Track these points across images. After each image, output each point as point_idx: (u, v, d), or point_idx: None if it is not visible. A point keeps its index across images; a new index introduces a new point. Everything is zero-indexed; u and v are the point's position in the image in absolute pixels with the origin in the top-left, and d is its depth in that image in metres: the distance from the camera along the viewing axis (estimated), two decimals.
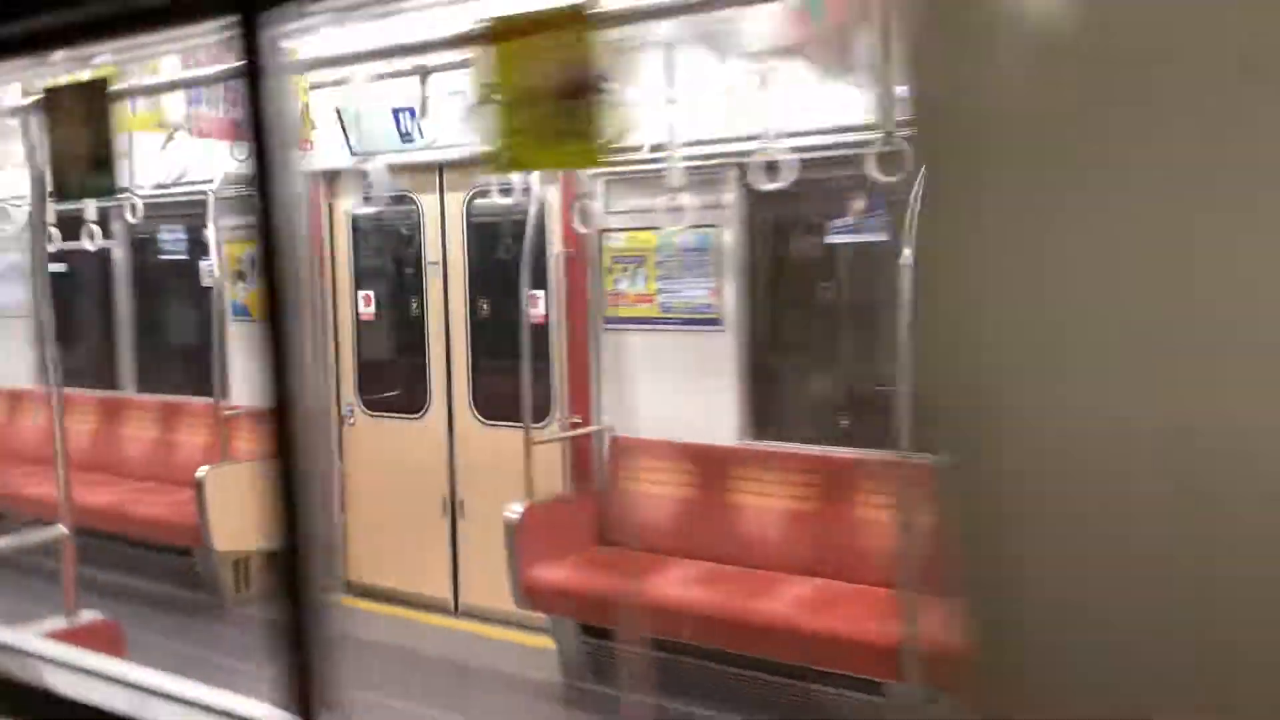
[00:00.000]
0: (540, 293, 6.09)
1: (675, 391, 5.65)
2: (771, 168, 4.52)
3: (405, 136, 6.06)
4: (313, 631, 1.99)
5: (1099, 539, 1.14)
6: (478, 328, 6.55)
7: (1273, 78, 0.98)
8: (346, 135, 6.01)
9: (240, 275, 7.45)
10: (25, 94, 3.30)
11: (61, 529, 3.82)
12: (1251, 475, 1.03)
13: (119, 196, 5.98)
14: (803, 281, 5.68)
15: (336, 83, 5.72)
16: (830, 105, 4.66)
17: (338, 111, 5.96)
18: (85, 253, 7.12)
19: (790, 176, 4.51)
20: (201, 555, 6.85)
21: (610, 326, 5.85)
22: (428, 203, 6.65)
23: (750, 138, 4.69)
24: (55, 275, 8.73)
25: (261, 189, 1.96)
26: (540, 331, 6.02)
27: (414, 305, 6.78)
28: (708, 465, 5.61)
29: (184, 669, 2.32)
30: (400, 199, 6.60)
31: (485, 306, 6.52)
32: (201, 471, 6.58)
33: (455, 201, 6.54)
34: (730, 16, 3.99)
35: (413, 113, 5.99)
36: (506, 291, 6.00)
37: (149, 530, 7.07)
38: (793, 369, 5.79)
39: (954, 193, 1.21)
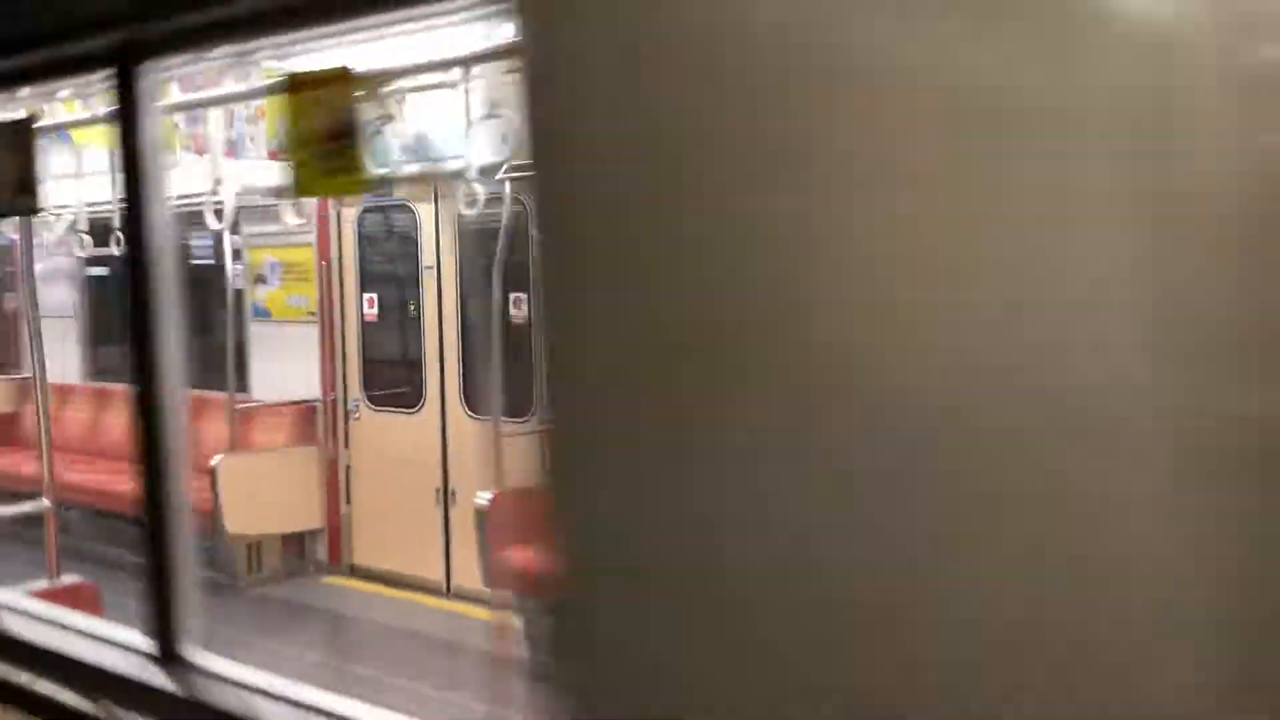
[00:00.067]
0: (523, 295, 6.50)
1: None
2: None
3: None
4: (175, 574, 2.40)
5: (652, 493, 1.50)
6: (468, 328, 6.99)
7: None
8: None
9: (260, 279, 7.99)
10: None
11: (45, 503, 4.34)
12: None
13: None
14: None
15: None
16: None
17: None
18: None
19: None
20: (216, 538, 7.39)
21: None
22: (425, 211, 7.11)
23: None
24: (97, 279, 9.43)
25: (133, 210, 2.38)
26: (523, 331, 6.44)
27: (411, 307, 7.25)
28: None
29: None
30: (401, 207, 7.07)
31: (475, 308, 6.96)
32: (214, 460, 7.11)
33: (448, 210, 6.99)
34: None
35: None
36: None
37: None
38: None
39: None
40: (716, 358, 1.35)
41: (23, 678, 2.50)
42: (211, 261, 8.56)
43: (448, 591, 7.05)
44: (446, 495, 7.06)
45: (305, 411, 7.67)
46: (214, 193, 6.51)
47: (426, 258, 7.13)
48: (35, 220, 7.85)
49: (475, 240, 6.96)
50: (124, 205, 2.38)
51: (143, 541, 2.43)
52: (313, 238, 7.48)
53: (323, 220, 7.37)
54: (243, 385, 7.56)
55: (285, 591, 7.43)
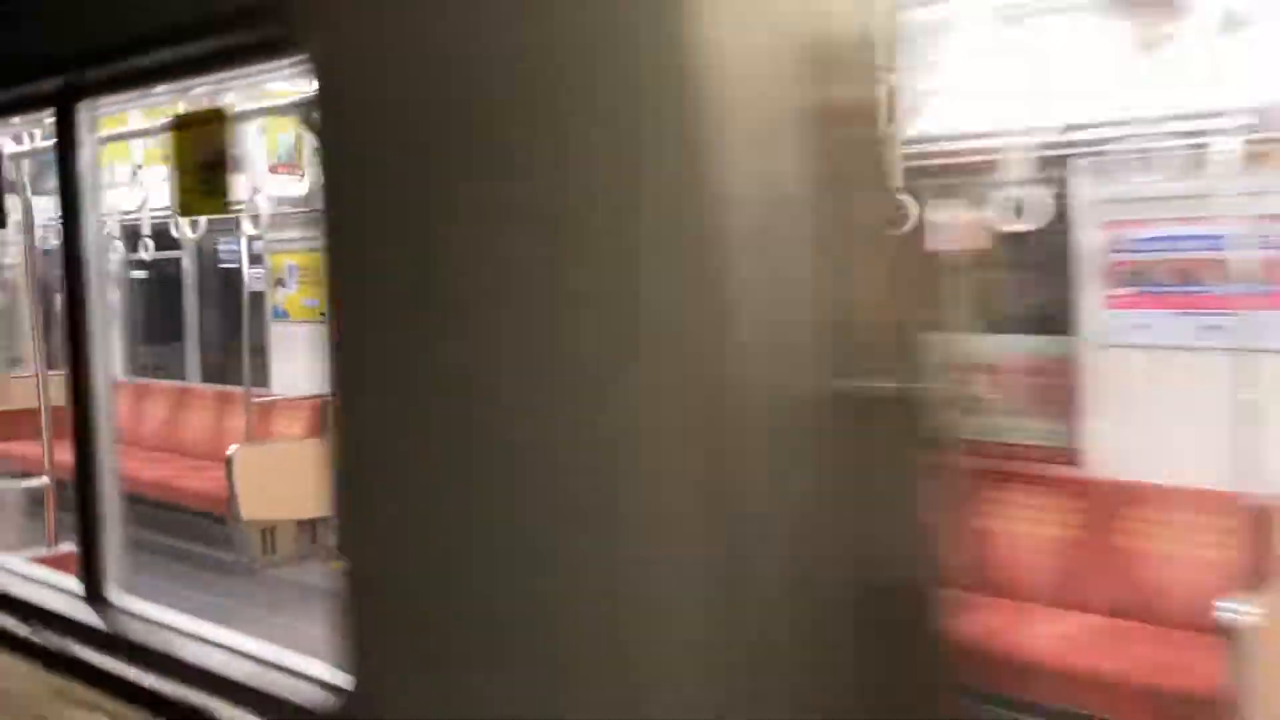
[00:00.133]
0: None
1: None
2: None
3: None
4: (102, 529, 2.87)
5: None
6: None
7: None
8: None
9: (280, 282, 8.55)
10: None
11: (46, 480, 4.89)
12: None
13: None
14: None
15: None
16: None
17: None
18: (164, 261, 8.35)
19: None
20: (233, 523, 7.94)
21: None
22: None
23: None
24: (137, 281, 10.10)
25: (70, 223, 2.86)
26: None
27: None
28: None
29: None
30: None
31: None
32: (231, 450, 7.66)
33: None
34: None
35: None
36: None
37: (193, 501, 8.22)
38: None
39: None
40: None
41: None
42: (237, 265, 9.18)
43: None
44: None
45: (320, 405, 8.20)
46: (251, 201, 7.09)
47: None
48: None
49: None
50: (62, 219, 2.85)
51: (75, 502, 2.91)
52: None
53: None
54: (263, 381, 8.11)
55: (296, 573, 7.95)
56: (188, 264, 9.45)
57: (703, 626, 1.45)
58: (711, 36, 1.42)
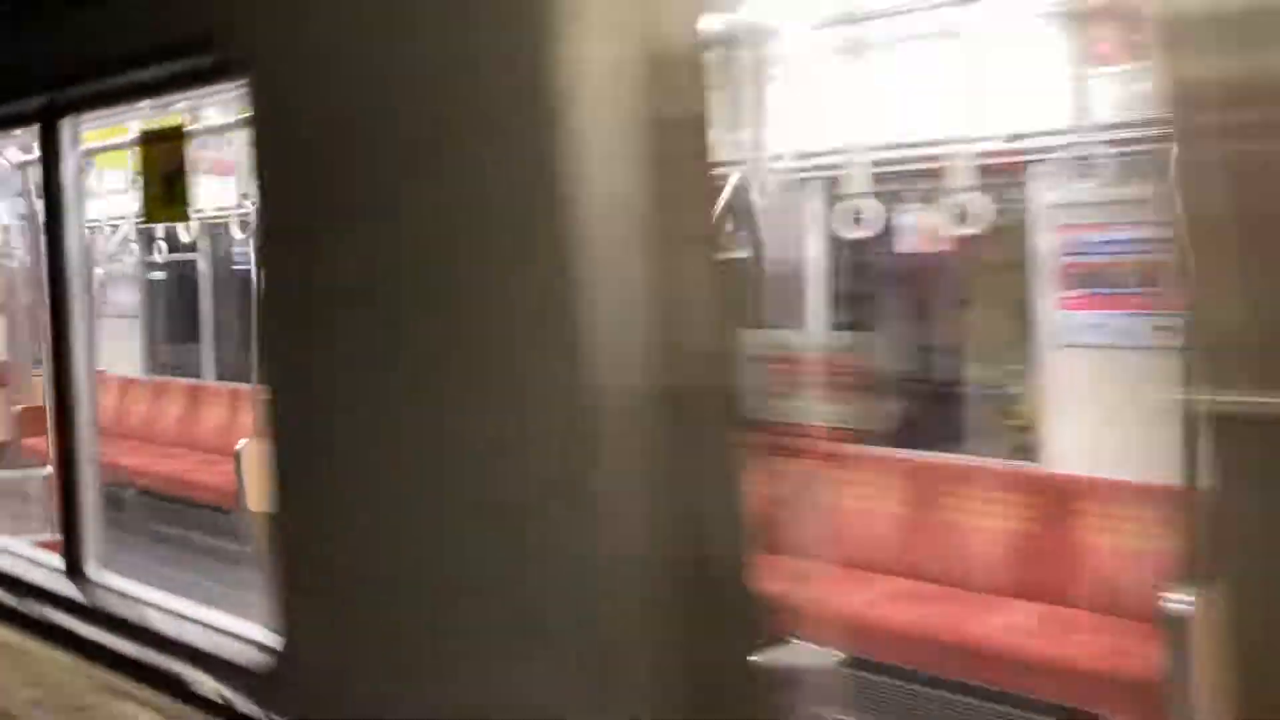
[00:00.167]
0: None
1: None
2: None
3: None
4: (82, 510, 3.13)
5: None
6: None
7: None
8: None
9: None
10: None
11: (48, 469, 5.17)
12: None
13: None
14: None
15: None
16: None
17: None
18: (181, 262, 8.66)
19: None
20: (240, 514, 8.23)
21: None
22: None
23: None
24: (155, 282, 10.42)
25: (53, 234, 3.11)
26: None
27: None
28: None
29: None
30: None
31: None
32: (240, 444, 7.94)
33: None
34: None
35: None
36: None
37: (204, 494, 8.52)
38: None
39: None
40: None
41: None
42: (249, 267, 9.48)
43: None
44: None
45: None
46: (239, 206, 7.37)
47: None
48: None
49: None
50: (46, 225, 3.11)
51: (57, 486, 3.16)
52: None
53: None
54: None
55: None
56: (203, 266, 9.74)
57: (567, 596, 1.67)
58: (571, 56, 1.64)
